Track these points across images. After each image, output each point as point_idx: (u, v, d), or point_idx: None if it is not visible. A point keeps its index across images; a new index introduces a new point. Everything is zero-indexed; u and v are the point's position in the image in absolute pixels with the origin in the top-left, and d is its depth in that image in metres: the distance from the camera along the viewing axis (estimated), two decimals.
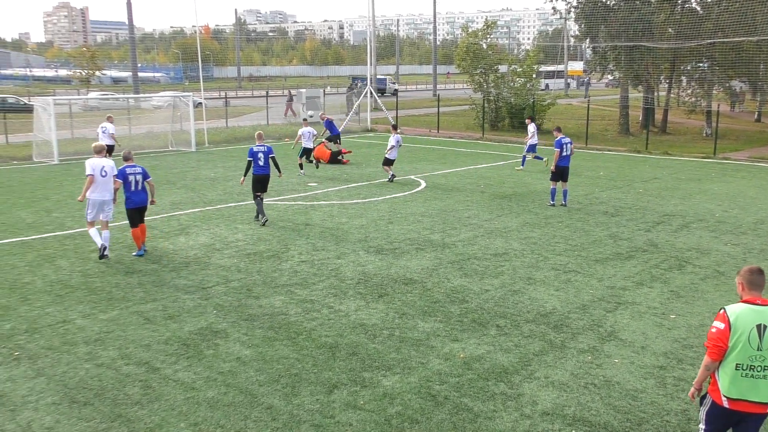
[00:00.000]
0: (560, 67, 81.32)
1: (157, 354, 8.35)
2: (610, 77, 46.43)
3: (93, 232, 12.43)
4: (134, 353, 8.38)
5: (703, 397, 5.36)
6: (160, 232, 14.50)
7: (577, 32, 41.02)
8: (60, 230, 14.66)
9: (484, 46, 39.49)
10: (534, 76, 37.93)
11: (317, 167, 23.68)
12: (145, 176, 12.73)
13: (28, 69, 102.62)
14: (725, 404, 5.12)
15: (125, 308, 9.92)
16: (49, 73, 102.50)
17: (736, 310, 5.05)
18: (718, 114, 31.28)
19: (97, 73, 63.46)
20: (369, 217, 15.92)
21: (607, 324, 9.36)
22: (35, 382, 7.63)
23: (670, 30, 34.37)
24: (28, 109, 38.28)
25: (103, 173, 12.24)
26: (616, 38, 34.52)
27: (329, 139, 26.26)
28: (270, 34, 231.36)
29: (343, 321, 9.43)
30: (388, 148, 20.86)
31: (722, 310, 5.09)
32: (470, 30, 42.80)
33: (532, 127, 24.30)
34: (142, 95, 47.01)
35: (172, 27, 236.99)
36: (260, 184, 15.21)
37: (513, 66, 38.72)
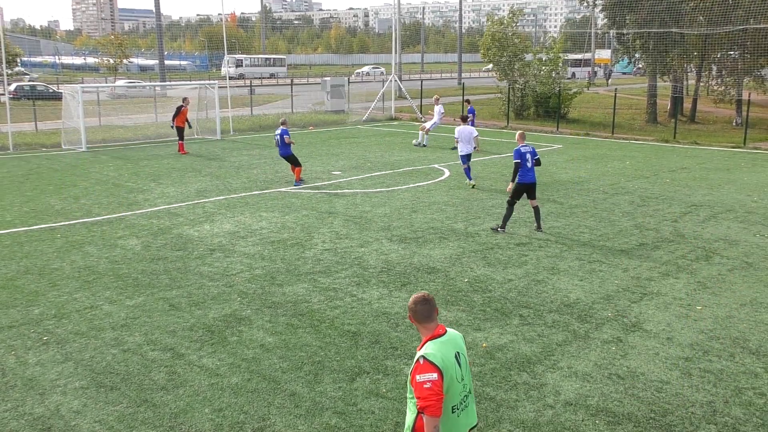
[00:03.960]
0: (587, 56, 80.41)
1: (182, 340, 8.45)
2: (630, 66, 45.75)
3: None
4: (160, 339, 8.48)
5: None
6: (186, 219, 14.63)
7: (604, 19, 40.51)
8: (88, 217, 14.85)
9: (510, 34, 39.15)
10: (560, 64, 37.57)
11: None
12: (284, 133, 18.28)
13: (57, 56, 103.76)
14: None
15: (151, 294, 10.04)
16: (78, 60, 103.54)
17: (436, 353, 4.39)
18: (749, 103, 30.74)
19: (125, 61, 64.01)
20: (392, 205, 15.92)
21: (632, 315, 9.29)
22: (63, 366, 7.76)
23: (700, 18, 33.80)
24: (56, 97, 38.79)
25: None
26: (644, 26, 34.03)
27: None
28: (295, 22, 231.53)
29: (366, 309, 9.46)
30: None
31: (423, 360, 4.35)
32: (496, 18, 42.46)
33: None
34: (168, 83, 47.32)
35: (198, 15, 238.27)
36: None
37: (539, 54, 38.35)
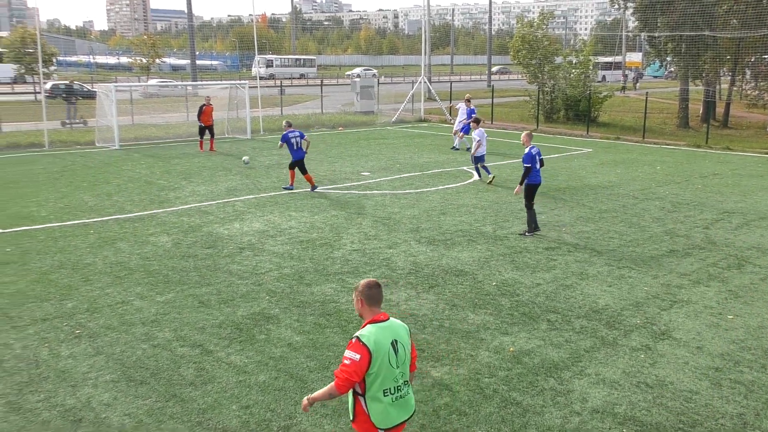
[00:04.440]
0: (618, 58, 79.64)
1: (210, 337, 8.54)
2: (661, 70, 45.10)
3: None
4: (189, 335, 8.58)
5: None
6: (216, 217, 14.78)
7: (636, 22, 40.05)
8: (120, 213, 15.06)
9: (540, 36, 38.92)
10: (591, 67, 37.26)
11: None
12: (302, 137, 17.27)
13: (91, 56, 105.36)
14: None
15: (181, 291, 10.16)
16: (111, 60, 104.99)
17: (371, 336, 4.64)
18: None
19: (157, 60, 64.76)
20: (421, 207, 15.92)
21: (662, 322, 9.19)
22: (95, 359, 7.89)
23: (734, 21, 33.29)
24: (91, 96, 39.33)
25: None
26: (676, 29, 33.62)
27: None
28: (325, 23, 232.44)
29: (394, 310, 9.48)
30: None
31: (355, 339, 4.64)
32: (525, 20, 42.24)
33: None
34: (199, 83, 47.78)
35: (229, 15, 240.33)
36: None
37: (569, 57, 38.08)
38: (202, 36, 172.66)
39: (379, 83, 45.44)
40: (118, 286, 10.35)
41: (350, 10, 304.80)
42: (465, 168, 21.62)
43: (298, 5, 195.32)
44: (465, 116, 26.52)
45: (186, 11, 52.73)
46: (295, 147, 17.32)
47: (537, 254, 12.25)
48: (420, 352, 8.14)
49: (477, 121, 20.48)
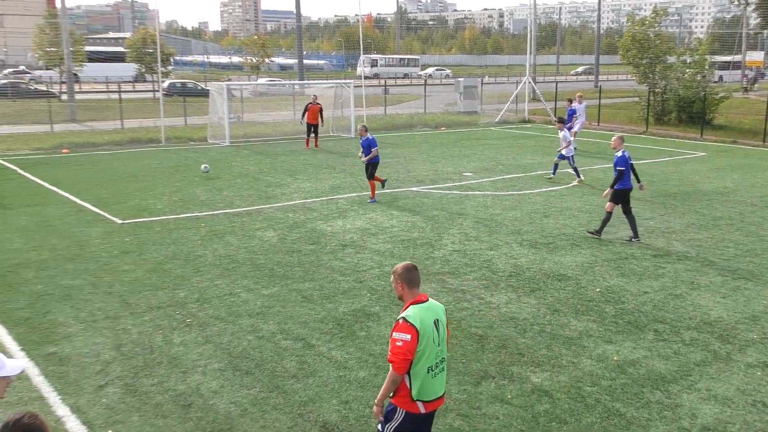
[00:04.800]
0: (737, 58, 75.64)
1: (313, 331, 8.74)
2: None
3: None
4: (292, 329, 8.82)
5: (389, 416, 5.02)
6: (320, 214, 15.09)
7: (757, 19, 37.92)
8: (229, 208, 15.63)
9: (652, 35, 37.48)
10: (706, 67, 35.56)
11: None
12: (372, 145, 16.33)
13: (205, 56, 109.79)
14: (422, 410, 4.96)
15: (285, 285, 10.45)
16: (224, 59, 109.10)
17: (416, 316, 4.83)
18: None
19: (266, 60, 66.69)
20: (523, 209, 15.70)
21: None
22: (204, 348, 8.23)
23: None
24: (204, 94, 40.98)
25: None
26: None
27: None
28: (430, 22, 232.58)
29: (494, 313, 9.40)
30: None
31: (402, 320, 4.82)
32: (637, 18, 40.78)
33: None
34: (306, 82, 48.89)
35: (336, 16, 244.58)
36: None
37: (683, 56, 36.46)
38: (310, 36, 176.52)
39: (482, 83, 45.06)
40: (226, 278, 10.76)
41: (455, 10, 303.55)
42: (569, 170, 21.14)
43: (403, 5, 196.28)
44: (583, 117, 25.93)
45: (295, 12, 54.04)
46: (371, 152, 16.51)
47: (644, 261, 11.83)
48: (519, 356, 8.04)
49: (561, 121, 20.16)
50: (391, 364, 4.83)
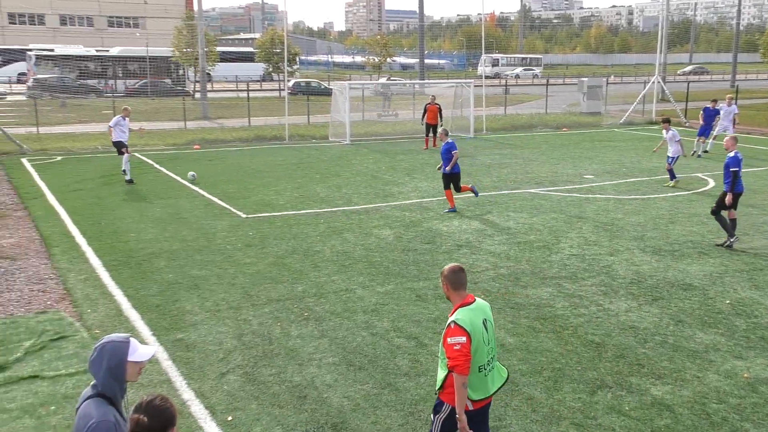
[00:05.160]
0: None
1: (425, 330, 8.78)
2: None
3: None
4: (405, 327, 8.89)
5: (437, 409, 5.17)
6: (436, 213, 15.12)
7: None
8: (347, 205, 15.95)
9: None
10: None
11: None
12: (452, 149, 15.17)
13: (329, 55, 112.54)
14: (470, 407, 5.05)
15: (400, 284, 10.55)
16: (347, 59, 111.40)
17: (465, 318, 4.93)
18: None
19: (388, 59, 67.55)
20: (647, 214, 15.08)
21: None
22: (319, 342, 8.45)
23: None
24: (327, 93, 42.01)
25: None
26: None
27: None
28: (554, 21, 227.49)
29: (612, 321, 9.10)
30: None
31: (454, 324, 4.92)
32: None
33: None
34: (426, 81, 49.09)
35: (458, 15, 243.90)
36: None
37: None
38: (432, 35, 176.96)
39: (608, 83, 43.60)
40: (342, 274, 10.99)
41: (581, 8, 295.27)
42: (699, 174, 20.11)
43: (527, 3, 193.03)
44: (726, 121, 24.65)
45: (417, 11, 54.31)
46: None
47: None
48: (639, 367, 7.74)
49: (668, 121, 19.10)
50: (453, 369, 4.89)
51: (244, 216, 14.89)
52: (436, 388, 5.24)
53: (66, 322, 8.99)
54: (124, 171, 18.59)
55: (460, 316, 4.99)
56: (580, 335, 8.62)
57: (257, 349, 8.21)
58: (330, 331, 8.76)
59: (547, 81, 58.70)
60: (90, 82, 49.44)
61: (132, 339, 3.87)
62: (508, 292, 10.19)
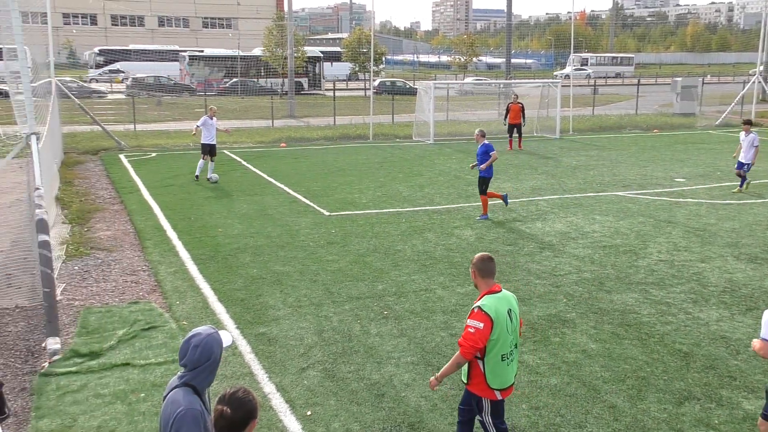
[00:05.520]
0: None
1: None
2: None
3: None
4: None
5: (479, 407, 5.41)
6: (519, 215, 14.92)
7: None
8: (429, 205, 15.94)
9: None
10: None
11: None
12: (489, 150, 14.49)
13: (415, 55, 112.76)
14: (498, 397, 5.35)
15: None
16: (433, 58, 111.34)
17: (491, 305, 5.14)
18: None
19: (474, 59, 67.12)
20: (743, 220, 14.42)
21: None
22: (398, 340, 8.48)
23: None
24: (411, 92, 42.10)
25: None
26: None
27: None
28: (648, 19, 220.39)
29: (702, 330, 8.75)
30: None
31: (477, 309, 5.13)
32: None
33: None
34: (512, 81, 48.48)
35: (547, 14, 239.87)
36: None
37: None
38: (519, 34, 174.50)
39: (703, 83, 41.93)
40: (423, 274, 10.99)
41: (677, 5, 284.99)
42: None
43: (620, 1, 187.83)
44: None
45: (506, 10, 53.70)
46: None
47: None
48: (730, 379, 7.42)
49: (749, 123, 17.94)
50: (460, 347, 5.21)
51: (327, 214, 15.10)
52: (464, 379, 5.49)
53: (156, 312, 9.36)
54: (197, 176, 18.74)
55: (485, 302, 5.21)
56: (667, 344, 8.33)
57: (337, 346, 8.31)
58: (409, 331, 8.78)
59: (638, 81, 56.98)
60: (235, 80, 52.38)
61: (215, 328, 4.00)
62: (592, 296, 9.95)
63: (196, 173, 18.88)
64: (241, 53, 57.97)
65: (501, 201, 15.24)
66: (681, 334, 8.64)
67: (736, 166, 17.72)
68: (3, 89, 32.66)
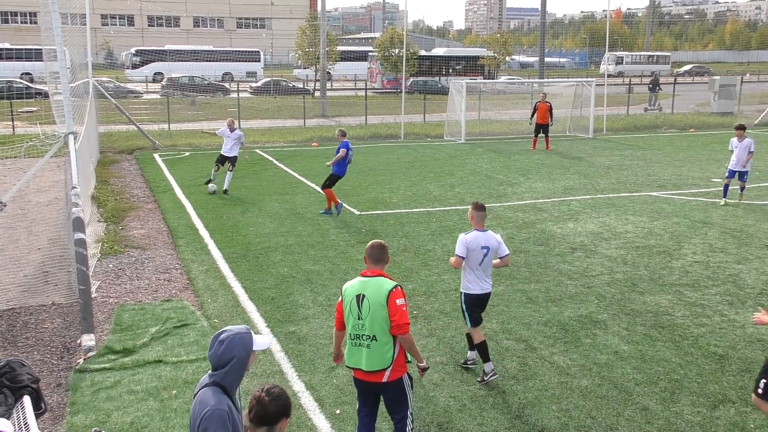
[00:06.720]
0: None
1: (535, 334, 8.61)
2: None
3: None
4: (515, 329, 8.76)
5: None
6: (550, 215, 14.80)
7: None
8: (460, 205, 15.87)
9: None
10: None
11: None
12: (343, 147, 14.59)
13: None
14: (354, 375, 5.71)
15: (510, 285, 10.40)
16: None
17: (347, 286, 5.62)
18: None
19: (507, 58, 66.61)
20: None
21: None
22: (428, 340, 8.47)
23: None
24: (443, 92, 41.93)
25: None
26: None
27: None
28: (686, 16, 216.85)
29: (738, 332, 8.59)
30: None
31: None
32: None
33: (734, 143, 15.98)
34: (545, 80, 48.08)
35: (582, 12, 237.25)
36: None
37: None
38: (553, 33, 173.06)
39: (742, 81, 41.12)
40: (452, 274, 10.94)
41: (716, 2, 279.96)
42: None
43: None
44: None
45: (540, 9, 53.29)
46: (348, 161, 14.99)
47: None
48: None
49: (741, 128, 16.59)
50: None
51: (357, 213, 15.13)
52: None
53: (188, 310, 9.47)
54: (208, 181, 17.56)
55: (347, 282, 5.73)
56: (702, 346, 8.20)
57: None
58: (438, 331, 8.76)
59: (675, 79, 56.09)
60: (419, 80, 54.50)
61: (250, 330, 4.03)
62: (624, 297, 9.82)
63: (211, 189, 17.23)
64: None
65: (335, 207, 14.90)
66: (716, 336, 8.49)
67: (727, 174, 15.99)
68: (43, 89, 33.40)
